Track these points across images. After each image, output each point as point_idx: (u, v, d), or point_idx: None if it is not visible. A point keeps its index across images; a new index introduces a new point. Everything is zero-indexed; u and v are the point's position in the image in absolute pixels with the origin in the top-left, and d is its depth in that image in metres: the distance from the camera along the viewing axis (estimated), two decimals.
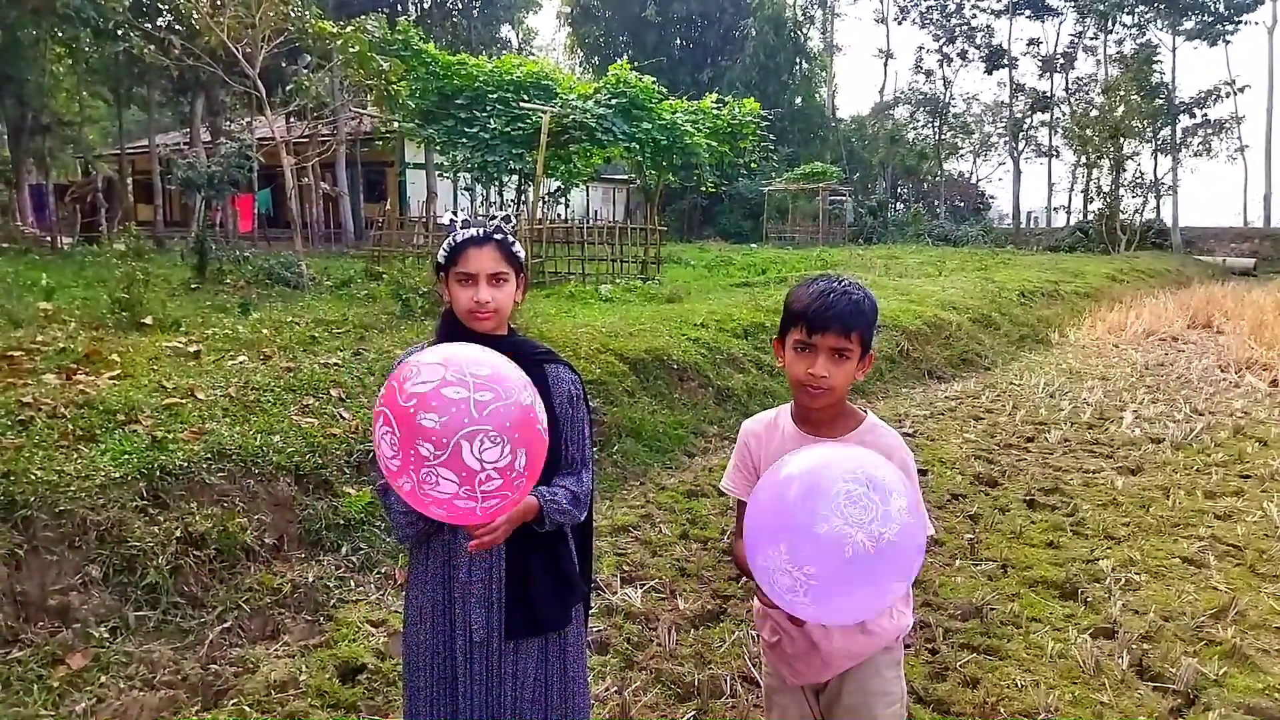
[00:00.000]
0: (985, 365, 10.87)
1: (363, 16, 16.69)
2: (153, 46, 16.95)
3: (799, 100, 43.81)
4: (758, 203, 36.20)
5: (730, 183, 32.99)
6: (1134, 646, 3.68)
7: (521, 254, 2.14)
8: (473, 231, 2.06)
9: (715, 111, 19.19)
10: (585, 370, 6.76)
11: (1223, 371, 10.26)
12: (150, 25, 18.78)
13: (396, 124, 19.66)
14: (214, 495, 4.08)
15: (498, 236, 2.06)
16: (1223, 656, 3.62)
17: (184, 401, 4.76)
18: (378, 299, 9.99)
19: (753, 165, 24.97)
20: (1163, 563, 4.65)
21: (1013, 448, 7.09)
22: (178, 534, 3.79)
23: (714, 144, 18.93)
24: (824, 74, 46.72)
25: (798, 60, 44.03)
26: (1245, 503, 5.64)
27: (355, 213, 26.91)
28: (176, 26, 17.58)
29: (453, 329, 2.12)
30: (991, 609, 4.05)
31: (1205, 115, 35.22)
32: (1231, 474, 6.30)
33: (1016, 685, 3.41)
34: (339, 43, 14.58)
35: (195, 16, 13.32)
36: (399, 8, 32.52)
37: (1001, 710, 3.24)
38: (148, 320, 7.59)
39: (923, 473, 6.04)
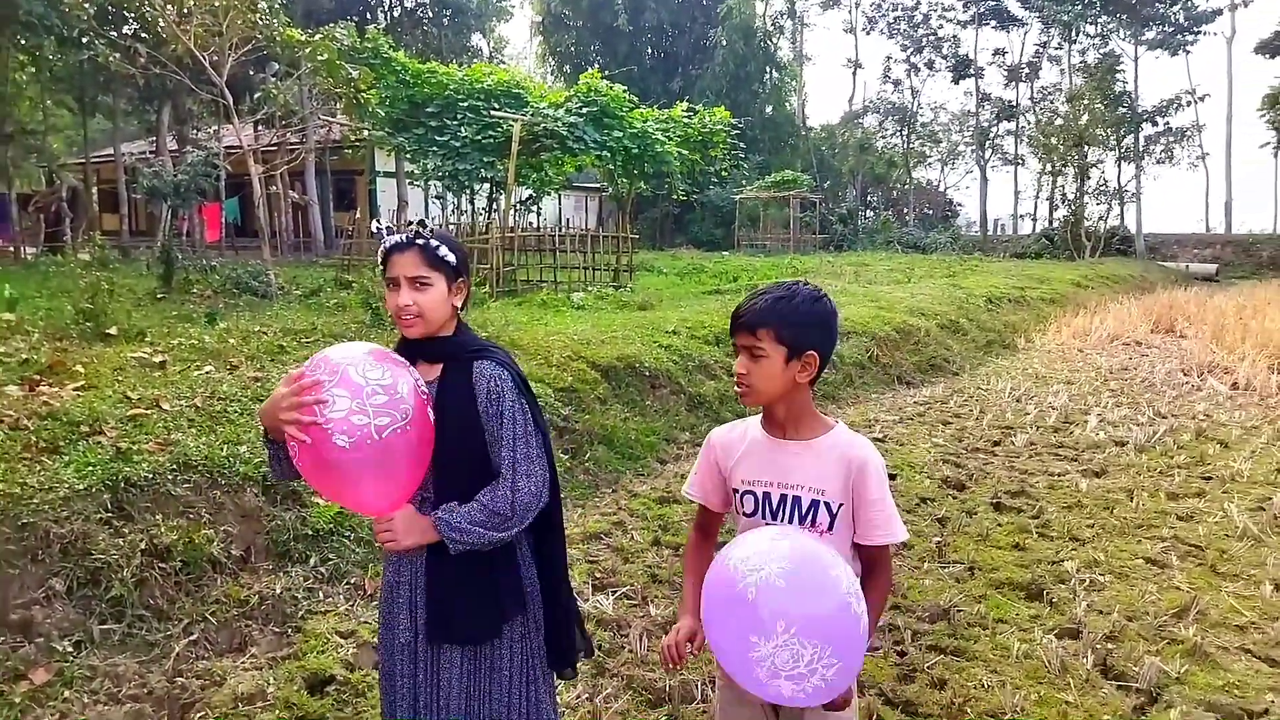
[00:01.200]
0: (953, 370, 10.99)
1: (331, 25, 16.61)
2: (118, 54, 16.77)
3: (769, 109, 44.10)
4: (729, 211, 36.36)
5: (701, 191, 33.17)
6: (1098, 646, 3.74)
7: (452, 258, 2.10)
8: (397, 237, 2.09)
9: (686, 120, 19.30)
10: (557, 378, 6.76)
11: (1185, 375, 10.44)
12: (115, 33, 18.56)
13: (366, 132, 19.57)
14: (180, 507, 4.03)
15: (419, 241, 2.07)
16: (1184, 655, 3.68)
17: (149, 412, 4.71)
18: (347, 308, 9.93)
19: (723, 173, 25.10)
20: (1126, 563, 4.73)
21: (980, 451, 7.17)
22: (143, 546, 3.74)
23: (685, 152, 19.03)
24: (794, 83, 47.07)
25: (768, 69, 44.32)
26: (1207, 504, 5.74)
27: (325, 221, 26.74)
28: (142, 34, 17.40)
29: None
30: (959, 611, 4.10)
31: (1167, 124, 35.89)
32: (1194, 476, 6.41)
33: (983, 685, 3.46)
34: (307, 51, 14.51)
35: (162, 24, 13.23)
36: (368, 16, 32.42)
37: (968, 710, 3.28)
38: (112, 331, 7.50)
39: (892, 477, 6.09)
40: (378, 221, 2.18)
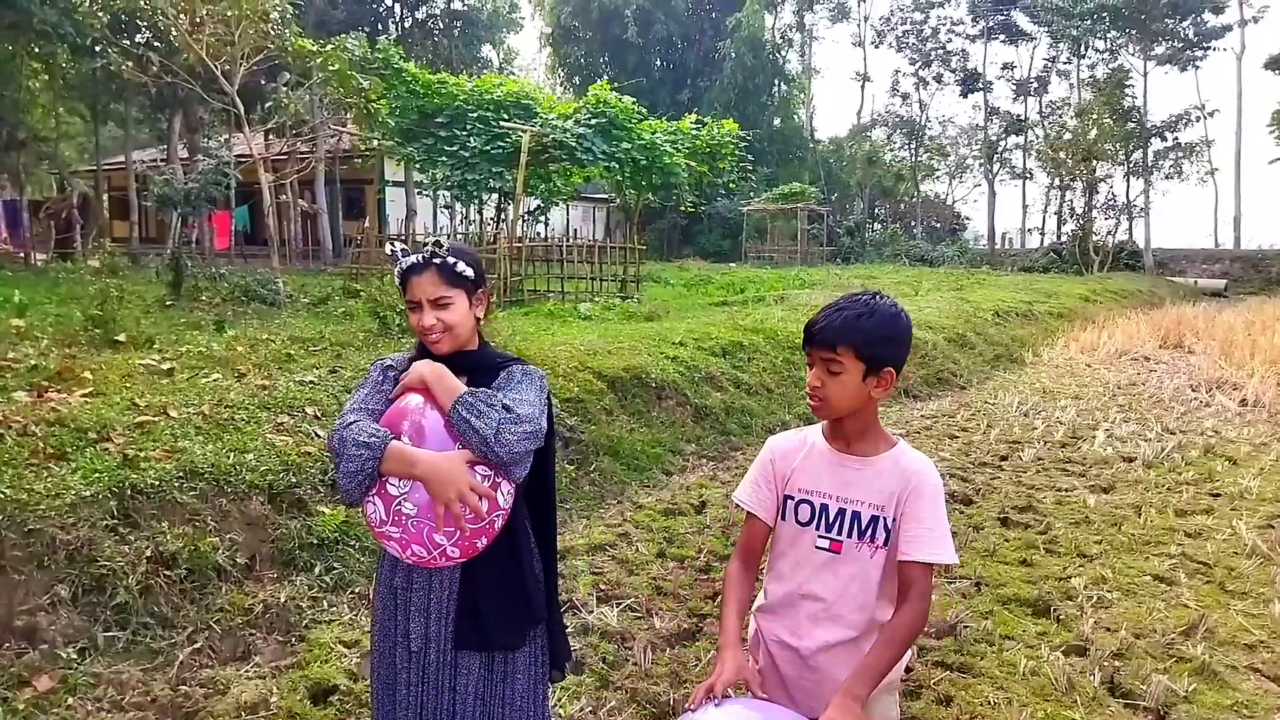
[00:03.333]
0: (960, 384, 10.96)
1: (343, 35, 16.72)
2: (130, 63, 16.86)
3: (777, 121, 44.24)
4: (736, 222, 36.45)
5: (709, 202, 33.23)
6: (1105, 664, 3.71)
7: (470, 272, 2.11)
8: (413, 259, 2.09)
9: (694, 132, 19.35)
10: (563, 388, 6.76)
11: (1194, 391, 10.39)
12: (128, 42, 18.70)
13: (376, 142, 19.68)
14: (186, 514, 4.04)
15: (435, 261, 2.08)
16: (1193, 673, 3.65)
17: (156, 419, 4.72)
18: (355, 317, 9.96)
19: (731, 185, 25.15)
20: (1134, 580, 4.70)
21: (987, 466, 7.14)
22: (148, 553, 3.75)
23: (693, 164, 19.09)
24: (802, 96, 47.21)
25: (776, 82, 44.47)
26: (1215, 521, 5.70)
27: (334, 230, 26.86)
28: (155, 43, 17.55)
29: (426, 349, 2.17)
30: (965, 627, 4.08)
31: (1176, 139, 35.81)
32: (1202, 492, 6.37)
33: (990, 703, 3.43)
34: (319, 61, 14.59)
35: (174, 34, 13.30)
36: (379, 27, 32.63)
37: None
38: (121, 338, 7.52)
39: None
40: (393, 242, 2.19)
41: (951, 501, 6.12)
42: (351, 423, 1.99)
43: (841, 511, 1.99)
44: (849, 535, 1.98)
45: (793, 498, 2.05)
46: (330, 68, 14.67)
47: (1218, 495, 6.29)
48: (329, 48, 14.89)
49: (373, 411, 2.06)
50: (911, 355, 8.43)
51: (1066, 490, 6.42)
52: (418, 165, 18.82)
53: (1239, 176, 37.96)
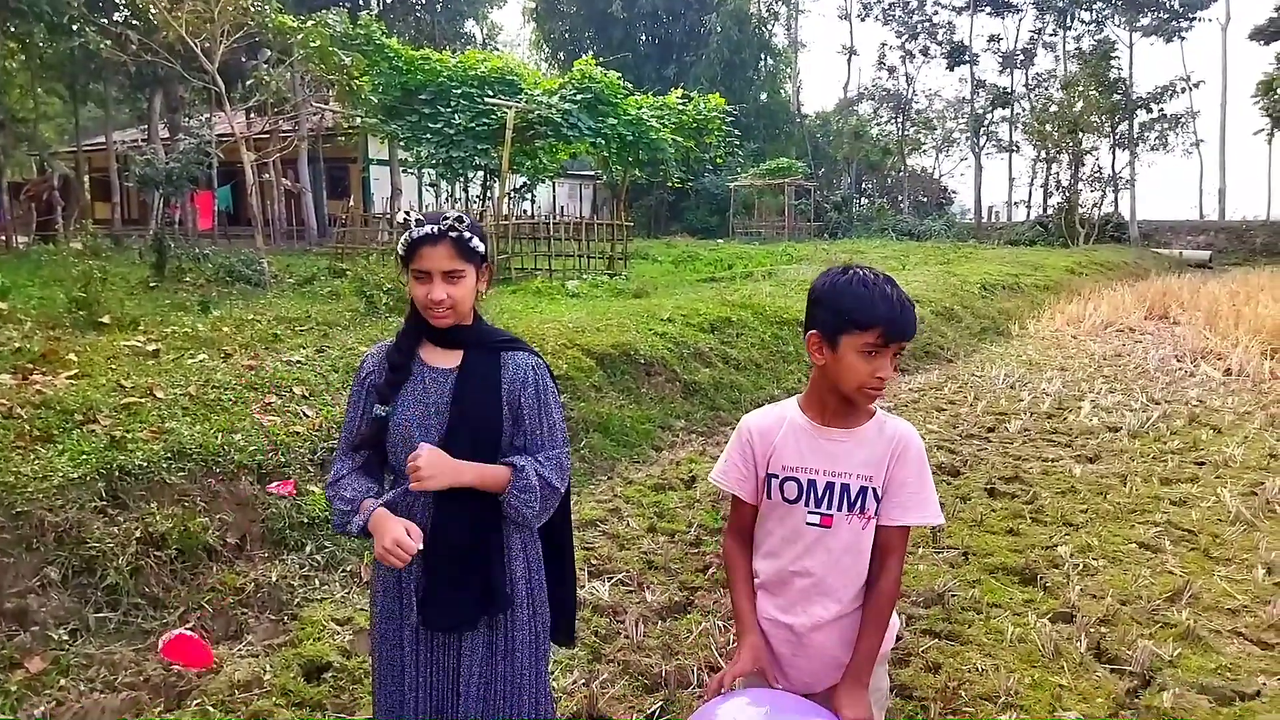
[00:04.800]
0: (948, 357, 11.01)
1: (324, 11, 16.52)
2: (109, 42, 16.66)
3: (764, 96, 44.01)
4: (724, 198, 36.33)
5: (696, 178, 33.09)
6: (1091, 630, 3.76)
7: (482, 247, 2.11)
8: (427, 229, 2.04)
9: (680, 107, 19.24)
10: (552, 366, 6.70)
11: (1179, 361, 10.47)
12: (106, 20, 18.46)
13: (359, 119, 19.49)
14: (175, 495, 4.03)
15: (452, 234, 2.05)
16: (1177, 638, 3.70)
17: (143, 401, 4.70)
18: (342, 296, 9.91)
19: (718, 160, 25.06)
20: (1119, 548, 4.75)
21: (974, 438, 7.19)
22: (138, 534, 3.74)
23: (679, 139, 18.99)
24: (788, 70, 46.97)
25: (762, 56, 44.23)
26: (1200, 489, 5.76)
27: (318, 209, 26.62)
28: (133, 21, 17.31)
29: (420, 321, 2.14)
30: (953, 595, 4.12)
31: (1162, 110, 35.84)
32: (1187, 461, 6.44)
33: (977, 669, 3.47)
34: (300, 37, 14.42)
35: (153, 11, 13.10)
36: (361, 2, 32.20)
37: (963, 694, 3.30)
38: (105, 319, 7.48)
39: None
40: (407, 212, 2.15)
41: (939, 473, 6.16)
42: (339, 478, 2.14)
43: (830, 485, 1.98)
44: (839, 508, 1.98)
45: (777, 475, 2.03)
46: (311, 44, 14.50)
47: (1202, 464, 6.35)
48: (310, 24, 14.72)
49: (358, 449, 2.15)
50: None
51: (1053, 460, 6.48)
52: (402, 143, 18.68)
53: (1224, 148, 38.12)
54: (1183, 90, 35.92)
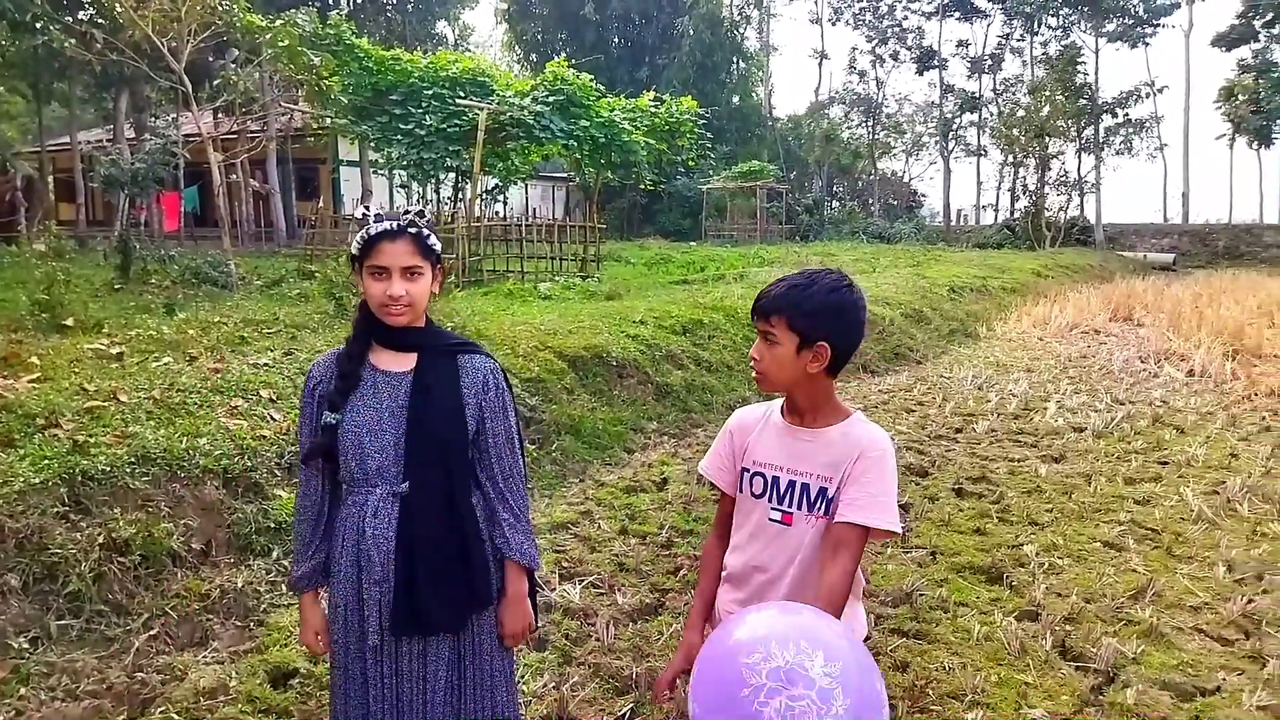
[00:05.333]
0: (917, 359, 11.11)
1: (293, 11, 16.37)
2: (73, 40, 16.40)
3: (736, 99, 44.17)
4: (696, 201, 36.43)
5: (669, 181, 33.15)
6: (1056, 628, 3.80)
7: (438, 246, 2.11)
8: (386, 225, 2.02)
9: (653, 109, 19.26)
10: (523, 368, 6.74)
11: (1142, 362, 10.63)
12: (71, 18, 18.16)
13: (329, 120, 19.33)
14: (138, 500, 3.97)
15: (412, 230, 2.03)
16: (1140, 636, 3.76)
17: (106, 404, 4.63)
18: (311, 298, 9.83)
19: (690, 163, 25.12)
20: (1084, 547, 4.82)
21: (942, 439, 7.26)
22: (101, 540, 3.68)
23: (652, 142, 18.99)
24: (760, 73, 47.18)
25: (734, 59, 44.40)
26: (1163, 488, 5.86)
27: (287, 211, 26.38)
28: (98, 20, 17.05)
29: (370, 322, 2.11)
30: (921, 595, 4.15)
31: (1126, 115, 36.33)
32: (1150, 461, 6.54)
33: (944, 668, 3.51)
34: (268, 37, 14.28)
35: (118, 10, 12.92)
36: (330, 2, 31.95)
37: (930, 692, 3.33)
38: (69, 322, 7.37)
39: None
40: (366, 206, 2.12)
41: (908, 473, 6.21)
42: (299, 515, 2.18)
43: (792, 484, 1.99)
44: (798, 507, 1.99)
45: (748, 470, 2.06)
46: (280, 44, 14.36)
47: (1165, 463, 6.46)
48: (278, 23, 14.58)
49: (309, 460, 2.14)
50: (869, 331, 8.48)
51: (1019, 460, 6.55)
52: (372, 144, 18.54)
53: (1187, 152, 38.72)
54: (1147, 95, 36.44)
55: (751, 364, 1.99)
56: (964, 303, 14.95)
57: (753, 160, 36.34)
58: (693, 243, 30.57)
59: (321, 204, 21.83)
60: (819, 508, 1.97)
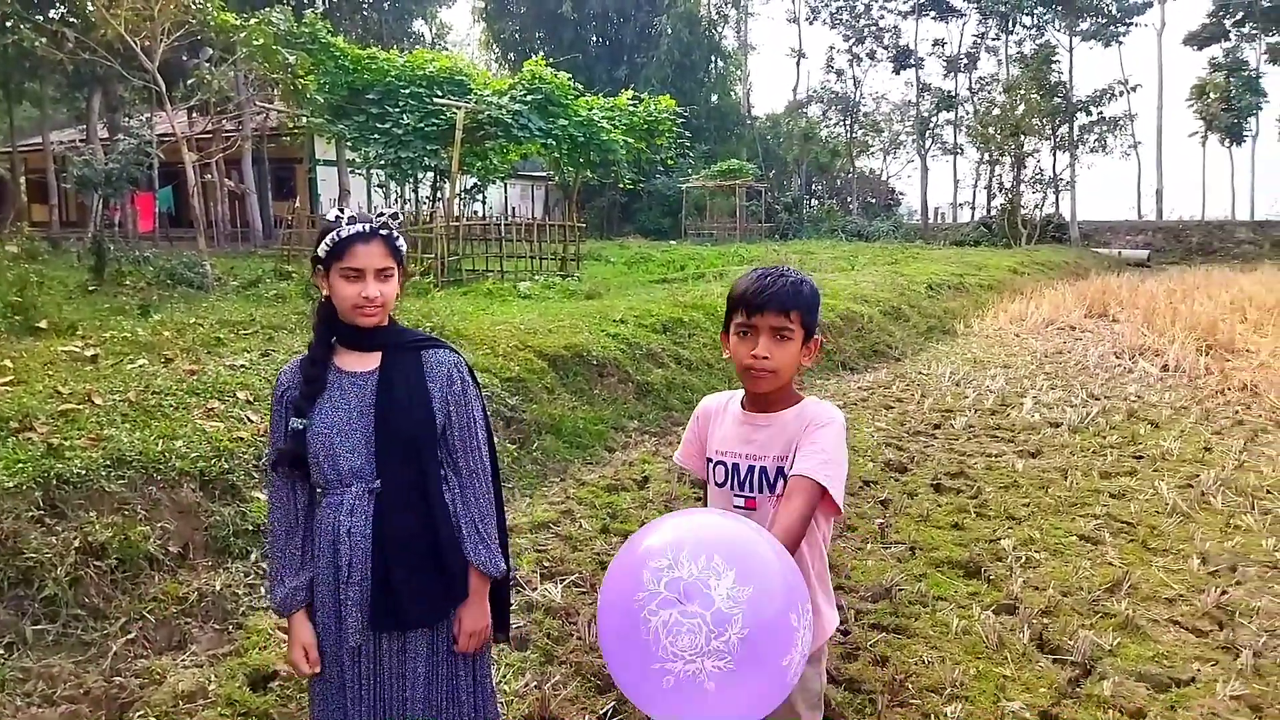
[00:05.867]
0: (895, 356, 11.17)
1: (267, 9, 16.21)
2: (45, 40, 16.15)
3: (714, 98, 44.28)
4: (676, 199, 36.47)
5: (648, 180, 33.18)
6: (1034, 621, 3.84)
7: (404, 248, 2.14)
8: (359, 227, 2.03)
9: (631, 108, 19.27)
10: (504, 368, 6.72)
11: (1117, 358, 10.74)
12: (42, 17, 17.89)
13: (305, 119, 19.20)
14: (114, 503, 3.93)
15: (383, 232, 2.05)
16: (1117, 628, 3.80)
17: (81, 407, 4.58)
18: (288, 299, 9.76)
19: (670, 162, 25.12)
20: (1061, 540, 4.87)
21: (921, 435, 7.31)
22: (77, 544, 3.65)
23: (631, 141, 19.01)
24: (739, 72, 47.32)
25: (713, 58, 44.49)
26: (1138, 482, 5.93)
27: (263, 211, 26.17)
28: (70, 19, 16.83)
29: (332, 324, 2.11)
30: (900, 589, 4.18)
31: (1101, 113, 36.68)
32: (1125, 455, 6.61)
33: (924, 662, 3.53)
34: (243, 36, 14.15)
35: (91, 8, 12.78)
36: (306, 1, 31.71)
37: (909, 686, 3.35)
38: (42, 324, 7.28)
39: None
40: (342, 209, 2.13)
41: (887, 469, 6.26)
42: (275, 529, 2.12)
43: (751, 469, 2.02)
44: (760, 491, 2.01)
45: (711, 459, 2.10)
46: (255, 42, 14.23)
47: (1140, 457, 6.53)
48: (253, 22, 14.45)
49: (278, 467, 2.10)
50: (849, 328, 8.54)
51: (996, 456, 6.61)
52: (349, 143, 18.43)
53: (1160, 150, 39.25)
54: (1121, 94, 36.86)
55: (755, 362, 1.94)
56: (942, 300, 15.05)
57: (732, 159, 36.42)
58: (673, 241, 30.60)
59: (298, 204, 21.69)
60: (779, 487, 1.98)
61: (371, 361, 2.11)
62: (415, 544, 2.07)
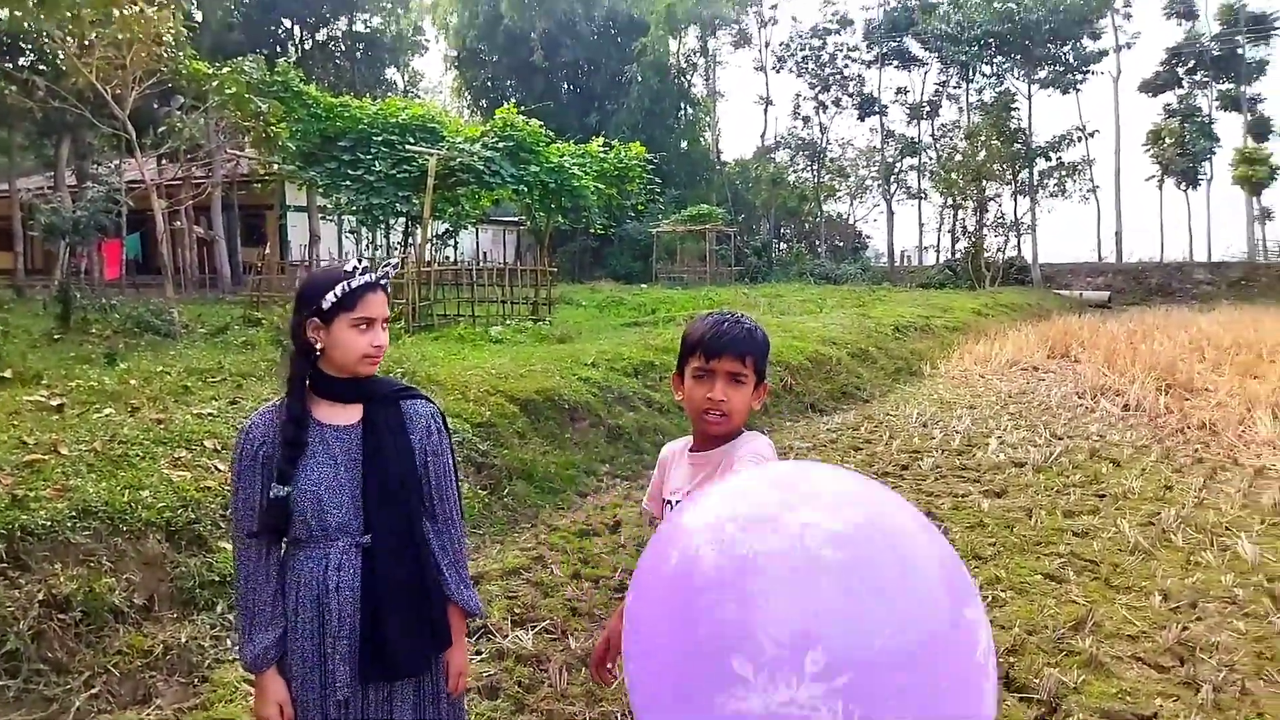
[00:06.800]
0: (863, 397, 11.29)
1: (240, 58, 16.34)
2: (14, 87, 16.14)
3: (684, 144, 44.87)
4: (647, 244, 36.74)
5: (619, 225, 33.44)
6: (1000, 660, 3.88)
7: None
8: (369, 277, 2.07)
9: (602, 155, 19.55)
10: (475, 413, 6.73)
11: (1080, 398, 10.92)
12: (11, 64, 17.89)
13: (276, 166, 19.24)
14: (79, 555, 3.89)
15: (383, 282, 2.11)
16: (1081, 665, 3.86)
17: (46, 457, 4.54)
18: (257, 346, 9.71)
19: (640, 207, 25.40)
20: (1026, 579, 4.93)
21: (889, 476, 7.38)
22: (40, 597, 3.60)
23: (602, 186, 19.25)
24: (708, 119, 48.00)
25: (682, 105, 45.17)
26: (1101, 520, 6.02)
27: (232, 257, 26.03)
28: (41, 66, 16.82)
29: (315, 376, 2.09)
30: None
31: (1059, 158, 37.52)
32: (1088, 494, 6.72)
33: None
34: (214, 84, 14.23)
35: (61, 56, 12.80)
36: (278, 49, 31.94)
37: None
38: (7, 373, 7.21)
39: None
40: (357, 260, 2.19)
41: None
42: (247, 587, 2.05)
43: None
44: None
45: (669, 501, 2.15)
46: (227, 91, 14.32)
47: (1103, 496, 6.64)
48: (225, 71, 14.55)
49: (258, 535, 2.03)
50: (817, 370, 8.61)
51: (962, 496, 6.69)
52: (320, 190, 18.50)
53: (1119, 193, 40.05)
54: (1079, 139, 37.73)
55: (712, 406, 1.97)
56: (908, 342, 15.25)
57: (701, 204, 36.84)
58: (644, 285, 30.76)
59: (268, 250, 21.63)
60: None
61: (353, 414, 2.11)
62: (406, 595, 2.08)
